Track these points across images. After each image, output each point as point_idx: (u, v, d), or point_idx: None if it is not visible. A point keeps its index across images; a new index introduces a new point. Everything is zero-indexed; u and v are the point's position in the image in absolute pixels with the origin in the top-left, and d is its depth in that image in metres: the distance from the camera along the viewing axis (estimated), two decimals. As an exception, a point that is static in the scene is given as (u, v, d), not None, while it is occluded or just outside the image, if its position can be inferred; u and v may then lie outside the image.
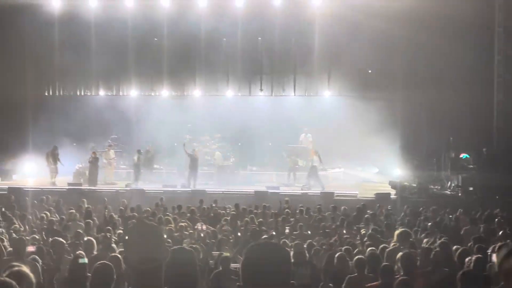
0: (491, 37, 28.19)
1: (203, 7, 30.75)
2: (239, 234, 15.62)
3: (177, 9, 30.87)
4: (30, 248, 10.42)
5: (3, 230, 14.63)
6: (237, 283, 3.34)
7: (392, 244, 11.70)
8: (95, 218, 17.01)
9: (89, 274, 8.92)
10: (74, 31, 31.11)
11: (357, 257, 9.81)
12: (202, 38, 31.34)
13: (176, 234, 14.47)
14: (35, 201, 20.40)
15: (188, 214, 18.50)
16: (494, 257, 9.67)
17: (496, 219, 16.51)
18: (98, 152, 29.05)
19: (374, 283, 8.63)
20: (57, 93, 33.89)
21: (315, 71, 31.87)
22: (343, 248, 11.76)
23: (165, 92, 33.45)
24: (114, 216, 17.31)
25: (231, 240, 14.54)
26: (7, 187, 25.91)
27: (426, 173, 26.84)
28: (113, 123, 31.48)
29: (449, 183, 26.12)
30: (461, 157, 26.62)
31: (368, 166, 30.03)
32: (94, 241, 11.37)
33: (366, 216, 18.17)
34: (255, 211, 19.39)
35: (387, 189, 25.96)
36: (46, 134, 29.28)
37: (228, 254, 10.16)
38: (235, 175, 29.60)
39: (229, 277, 9.58)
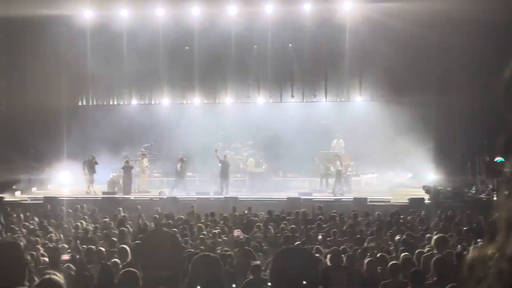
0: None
1: (233, 15, 30.86)
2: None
3: (207, 17, 31.05)
4: (65, 257, 10.55)
5: (39, 239, 14.81)
6: None
7: (426, 249, 11.59)
8: (129, 226, 17.14)
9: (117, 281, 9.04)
10: (107, 41, 31.45)
11: (391, 262, 9.74)
12: (233, 46, 31.46)
13: (209, 241, 14.50)
14: (70, 210, 20.60)
15: (221, 222, 18.55)
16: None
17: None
18: (131, 160, 29.29)
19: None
20: (90, 103, 34.25)
21: (346, 76, 31.77)
22: (378, 254, 11.68)
23: (197, 100, 33.61)
24: (148, 224, 17.40)
25: (265, 247, 14.52)
26: (42, 196, 26.27)
27: (460, 177, 26.57)
28: (145, 132, 31.74)
29: (484, 187, 25.81)
30: (496, 161, 26.28)
31: (402, 171, 29.77)
32: (128, 249, 11.44)
33: (400, 221, 18.05)
34: (288, 217, 19.37)
35: (421, 194, 25.75)
36: (80, 143, 29.64)
37: (259, 262, 10.08)
38: (268, 181, 29.59)
39: (260, 286, 9.54)
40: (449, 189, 25.59)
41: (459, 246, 13.17)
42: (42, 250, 12.19)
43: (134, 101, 34.23)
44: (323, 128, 30.56)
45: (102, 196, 26.77)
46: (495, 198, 24.45)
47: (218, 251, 13.22)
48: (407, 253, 11.46)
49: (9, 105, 32.93)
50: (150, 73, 32.89)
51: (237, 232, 16.38)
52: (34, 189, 29.38)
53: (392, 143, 27.94)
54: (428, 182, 26.93)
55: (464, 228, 16.04)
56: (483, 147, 26.99)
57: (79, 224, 17.62)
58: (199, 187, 28.65)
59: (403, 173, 29.83)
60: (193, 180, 30.11)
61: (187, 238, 14.19)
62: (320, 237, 15.49)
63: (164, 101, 33.83)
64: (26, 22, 30.16)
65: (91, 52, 31.70)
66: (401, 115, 27.79)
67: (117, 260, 9.92)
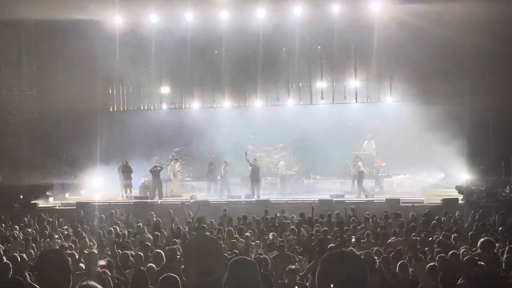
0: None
1: (261, 18, 30.85)
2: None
3: (236, 21, 31.07)
4: (101, 262, 10.61)
5: (73, 245, 14.94)
6: None
7: (462, 250, 11.46)
8: (163, 231, 17.20)
9: (152, 286, 9.05)
10: (136, 46, 31.64)
11: (429, 264, 9.64)
12: (262, 48, 31.46)
13: (241, 245, 14.50)
14: (103, 215, 20.73)
15: (253, 225, 18.55)
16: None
17: None
18: (163, 165, 29.46)
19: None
20: (121, 107, 34.48)
21: (377, 77, 31.61)
22: (412, 256, 11.55)
23: (226, 103, 33.64)
24: (181, 228, 17.45)
25: (299, 250, 14.46)
26: (75, 202, 26.49)
27: (494, 177, 26.27)
28: (176, 136, 31.87)
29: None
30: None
31: (434, 171, 29.50)
32: (163, 253, 11.48)
33: (433, 222, 17.87)
34: (320, 220, 19.29)
35: (454, 194, 25.50)
36: (112, 149, 29.85)
37: (293, 267, 10.01)
38: (299, 184, 29.55)
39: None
40: (482, 189, 25.32)
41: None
42: (77, 256, 12.28)
43: (165, 106, 34.36)
44: (353, 130, 30.42)
45: (134, 201, 26.92)
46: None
47: (252, 254, 13.22)
48: (443, 254, 11.34)
49: (41, 111, 33.32)
50: (180, 77, 33.06)
51: (270, 235, 16.35)
52: (67, 194, 29.63)
53: (424, 143, 27.77)
54: (461, 182, 26.66)
55: (500, 228, 15.84)
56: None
57: (112, 229, 17.72)
58: (231, 190, 28.67)
59: (435, 174, 29.56)
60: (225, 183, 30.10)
61: (220, 241, 14.20)
62: (353, 239, 15.38)
63: (194, 105, 33.90)
64: (56, 27, 30.54)
65: (121, 57, 31.88)
66: (432, 115, 27.62)
67: (152, 265, 9.98)
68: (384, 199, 25.06)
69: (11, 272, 10.05)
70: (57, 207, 26.77)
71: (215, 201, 25.87)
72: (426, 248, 13.47)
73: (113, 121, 32.82)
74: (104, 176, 30.01)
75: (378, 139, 29.79)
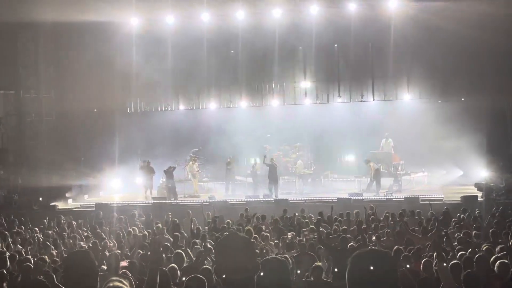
0: None
1: (277, 17, 30.85)
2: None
3: (252, 21, 31.09)
4: (123, 263, 10.64)
5: (93, 246, 14.99)
6: None
7: (484, 247, 11.38)
8: (183, 231, 17.24)
9: (174, 287, 9.07)
10: (153, 47, 31.70)
11: (452, 262, 9.58)
12: (278, 48, 31.44)
13: (260, 244, 14.49)
14: (122, 217, 20.79)
15: (272, 224, 18.54)
16: None
17: None
18: (180, 165, 29.55)
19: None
20: (138, 109, 34.60)
21: (394, 75, 31.49)
22: (434, 254, 11.47)
23: (243, 103, 33.63)
24: (201, 228, 17.47)
25: (318, 248, 14.41)
26: (94, 203, 26.62)
27: (513, 173, 26.12)
28: (193, 136, 31.92)
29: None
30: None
31: (453, 169, 29.35)
32: (184, 254, 11.50)
33: (454, 220, 17.77)
34: (340, 219, 19.25)
35: (473, 191, 25.35)
36: (130, 150, 29.94)
37: (320, 264, 9.97)
38: (317, 183, 29.51)
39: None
40: (502, 186, 25.15)
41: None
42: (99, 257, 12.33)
43: (182, 106, 34.40)
44: (371, 128, 30.30)
45: (152, 201, 27.00)
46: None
47: (272, 254, 13.21)
48: (464, 252, 11.27)
49: (59, 113, 33.55)
50: (196, 77, 33.10)
51: (290, 235, 16.34)
52: (86, 196, 29.79)
53: (442, 140, 27.63)
54: (480, 179, 26.49)
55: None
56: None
57: (131, 230, 17.78)
58: (248, 190, 28.69)
59: (454, 171, 29.41)
60: (242, 183, 30.15)
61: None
62: (374, 238, 15.32)
63: (211, 106, 33.93)
64: (73, 29, 30.70)
65: (138, 58, 31.97)
66: (450, 112, 27.52)
67: (174, 265, 9.99)
68: (403, 197, 24.96)
69: (32, 273, 10.14)
70: (76, 209, 26.91)
71: (233, 201, 25.88)
72: (446, 246, 13.40)
73: (131, 122, 32.89)
74: (123, 177, 30.12)
75: (396, 137, 29.66)
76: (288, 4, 30.68)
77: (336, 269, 11.72)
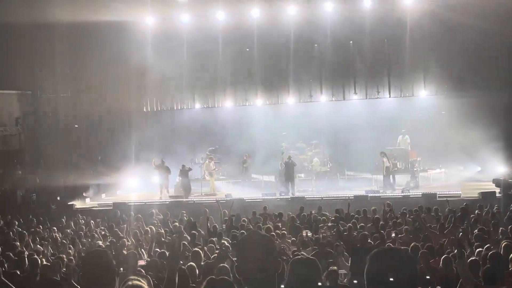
0: None
1: (292, 15, 30.83)
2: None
3: (267, 18, 31.09)
4: (141, 262, 10.67)
5: (111, 245, 15.05)
6: None
7: (504, 243, 11.29)
8: (200, 230, 17.26)
9: (193, 285, 9.09)
10: (168, 46, 31.74)
11: (471, 259, 9.52)
12: (293, 45, 31.41)
13: (277, 242, 14.48)
14: (139, 215, 20.87)
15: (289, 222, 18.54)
16: None
17: None
18: (196, 164, 29.65)
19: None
20: (155, 108, 34.68)
21: (410, 71, 31.31)
22: (453, 251, 11.41)
23: (259, 101, 33.60)
24: (217, 227, 17.50)
25: (336, 245, 14.35)
26: (112, 202, 26.74)
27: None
28: (209, 135, 31.95)
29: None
30: None
31: (470, 165, 29.17)
32: (201, 252, 11.53)
33: (472, 216, 17.66)
34: (357, 216, 19.20)
35: (491, 187, 25.17)
36: (147, 149, 30.02)
37: (335, 268, 9.82)
38: (333, 180, 29.45)
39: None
40: (520, 181, 24.96)
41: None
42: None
43: (197, 105, 34.44)
44: (388, 125, 30.18)
45: (169, 200, 27.07)
46: None
47: (289, 252, 13.20)
48: (481, 249, 11.20)
49: (76, 113, 33.76)
50: (212, 76, 33.14)
51: (304, 232, 16.30)
52: (103, 195, 29.92)
53: (459, 136, 27.46)
54: (497, 175, 26.31)
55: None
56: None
57: (148, 229, 17.83)
58: (265, 188, 28.70)
59: (471, 167, 29.23)
60: (259, 181, 30.16)
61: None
62: (393, 234, 15.24)
63: (227, 104, 33.94)
64: (89, 29, 30.82)
65: (153, 57, 32.04)
66: (467, 108, 27.34)
67: (192, 263, 10.02)
68: (420, 193, 24.85)
69: (49, 273, 10.20)
70: (94, 208, 27.05)
71: (250, 199, 25.89)
72: (464, 243, 13.31)
73: (147, 121, 33.00)
74: (139, 176, 30.21)
75: (413, 133, 29.54)
76: (303, 1, 30.64)
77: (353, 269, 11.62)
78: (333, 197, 25.62)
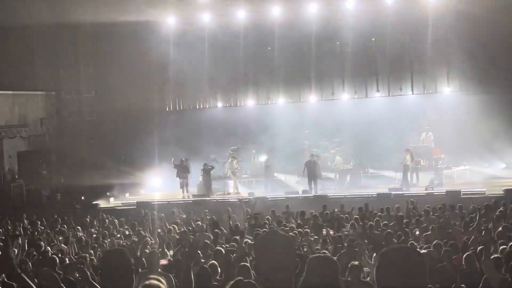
0: None
1: (313, 13, 30.80)
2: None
3: (288, 17, 31.08)
4: (163, 261, 10.71)
5: (134, 244, 15.14)
6: None
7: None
8: (223, 228, 17.29)
9: (215, 283, 9.12)
10: (191, 46, 31.83)
11: (493, 256, 9.44)
12: (315, 43, 31.37)
13: (300, 240, 14.46)
14: (162, 214, 20.97)
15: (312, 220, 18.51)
16: None
17: None
18: (219, 162, 29.74)
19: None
20: (177, 107, 34.79)
21: (433, 67, 31.11)
22: (478, 248, 11.33)
23: (281, 100, 33.60)
24: (239, 225, 17.51)
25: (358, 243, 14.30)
26: (135, 201, 26.90)
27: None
28: (232, 134, 31.96)
29: None
30: None
31: (495, 162, 28.91)
32: (223, 250, 11.55)
33: (496, 213, 17.49)
34: (379, 214, 19.12)
35: (517, 184, 24.92)
36: (170, 148, 30.13)
37: (357, 263, 9.71)
38: (356, 178, 29.33)
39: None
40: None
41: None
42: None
43: (220, 104, 34.51)
44: (411, 122, 30.01)
45: (192, 199, 27.17)
46: None
47: (310, 249, 13.17)
48: (505, 246, 11.11)
49: (100, 112, 34.02)
50: (234, 75, 33.20)
51: (325, 231, 16.26)
52: (127, 194, 30.09)
53: (483, 133, 27.23)
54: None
55: None
56: None
57: (171, 228, 17.90)
58: (288, 186, 28.68)
59: (496, 164, 28.97)
60: (281, 180, 30.14)
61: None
62: (417, 232, 15.16)
63: (249, 103, 33.97)
64: (112, 29, 31.03)
65: (175, 57, 32.17)
66: (491, 104, 27.09)
67: (214, 262, 10.04)
68: (444, 191, 24.68)
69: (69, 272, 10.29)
70: (118, 207, 27.22)
71: (272, 197, 25.89)
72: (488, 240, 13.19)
73: (170, 120, 33.11)
74: (163, 175, 30.32)
75: (436, 130, 29.34)
76: (324, -1, 30.62)
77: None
78: (356, 195, 25.54)
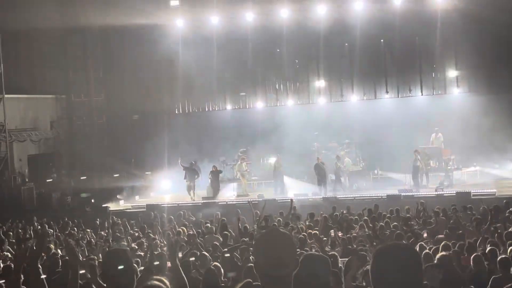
0: None
1: (322, 14, 30.78)
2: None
3: (296, 19, 31.09)
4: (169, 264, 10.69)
5: (142, 246, 15.18)
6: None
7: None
8: (231, 230, 17.30)
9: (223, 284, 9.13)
10: (199, 48, 31.90)
11: (501, 256, 9.40)
12: (323, 45, 31.33)
13: (308, 242, 14.44)
14: (171, 217, 21.00)
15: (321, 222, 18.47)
16: None
17: None
18: (228, 165, 29.76)
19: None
20: (186, 110, 34.85)
21: (442, 68, 31.06)
22: (487, 249, 11.29)
23: (290, 102, 33.61)
24: (248, 227, 17.51)
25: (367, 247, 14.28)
26: (145, 204, 26.94)
27: None
28: (241, 136, 31.95)
29: None
30: None
31: (505, 163, 28.77)
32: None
33: (506, 214, 17.42)
34: (388, 215, 19.06)
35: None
36: (179, 150, 30.17)
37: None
38: (366, 179, 29.27)
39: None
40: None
41: None
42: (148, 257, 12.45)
43: (229, 106, 34.55)
44: (420, 123, 29.91)
45: (202, 201, 27.18)
46: None
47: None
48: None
49: (109, 115, 34.13)
50: (242, 77, 33.26)
51: (333, 232, 16.22)
52: (137, 197, 30.11)
53: (493, 134, 27.12)
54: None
55: None
56: None
57: (180, 230, 17.91)
58: (297, 188, 28.64)
59: (506, 165, 28.83)
60: (291, 182, 30.09)
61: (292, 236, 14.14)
62: (425, 234, 15.11)
63: (258, 105, 33.99)
64: (120, 32, 31.17)
65: (184, 59, 32.21)
66: (501, 105, 27.00)
67: (217, 264, 10.04)
68: (454, 192, 24.59)
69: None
70: (127, 210, 27.25)
71: (282, 199, 25.85)
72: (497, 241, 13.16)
73: (179, 123, 33.17)
74: (173, 177, 30.34)
75: (446, 131, 29.24)
76: (332, 0, 30.56)
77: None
78: (365, 196, 25.49)
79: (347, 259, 11.89)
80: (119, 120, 33.92)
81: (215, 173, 28.35)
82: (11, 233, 19.60)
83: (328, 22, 30.70)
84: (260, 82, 33.68)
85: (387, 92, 32.21)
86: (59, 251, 15.03)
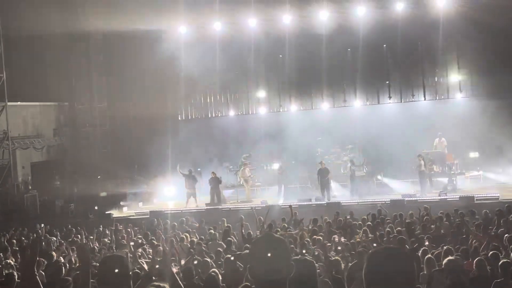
0: None
1: (324, 20, 30.81)
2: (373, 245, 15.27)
3: (299, 24, 31.13)
4: (174, 270, 10.69)
5: (146, 254, 15.16)
6: None
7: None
8: (233, 237, 17.27)
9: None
10: (202, 55, 31.88)
11: (502, 261, 9.37)
12: (326, 51, 31.34)
13: (313, 247, 14.42)
14: (175, 223, 20.99)
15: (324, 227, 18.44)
16: None
17: None
18: (232, 171, 29.73)
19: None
20: (189, 116, 34.87)
21: (445, 73, 31.05)
22: (489, 253, 11.26)
23: (293, 107, 33.63)
24: (252, 233, 17.48)
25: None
26: (149, 211, 26.92)
27: None
28: (244, 142, 31.94)
29: None
30: None
31: (508, 167, 28.71)
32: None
33: (510, 219, 17.36)
34: (389, 220, 19.02)
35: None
36: (183, 157, 30.17)
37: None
38: (369, 185, 29.23)
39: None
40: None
41: None
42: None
43: (232, 112, 34.58)
44: (423, 128, 29.89)
45: (205, 208, 27.14)
46: None
47: (322, 257, 13.11)
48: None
49: (113, 122, 34.15)
50: (245, 83, 33.29)
51: (337, 238, 16.19)
52: (140, 204, 30.10)
53: (496, 139, 27.10)
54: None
55: None
56: None
57: (184, 236, 17.89)
58: (300, 193, 28.63)
59: (510, 169, 28.77)
60: (294, 187, 30.10)
61: (292, 245, 14.13)
62: (427, 242, 15.05)
63: (261, 110, 34.02)
64: (124, 39, 31.21)
65: (187, 65, 32.21)
66: (504, 109, 26.96)
67: (216, 270, 10.03)
68: (458, 196, 24.55)
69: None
70: (131, 217, 27.23)
71: (285, 205, 25.80)
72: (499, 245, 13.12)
73: (183, 129, 33.19)
74: (176, 184, 30.33)
75: (449, 136, 29.21)
76: (334, 6, 30.60)
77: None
78: (369, 201, 25.45)
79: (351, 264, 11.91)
80: (122, 126, 33.92)
81: (215, 180, 28.27)
82: (14, 241, 19.60)
83: (330, 28, 30.74)
84: (262, 88, 33.70)
85: (390, 97, 32.23)
86: (61, 258, 15.02)
